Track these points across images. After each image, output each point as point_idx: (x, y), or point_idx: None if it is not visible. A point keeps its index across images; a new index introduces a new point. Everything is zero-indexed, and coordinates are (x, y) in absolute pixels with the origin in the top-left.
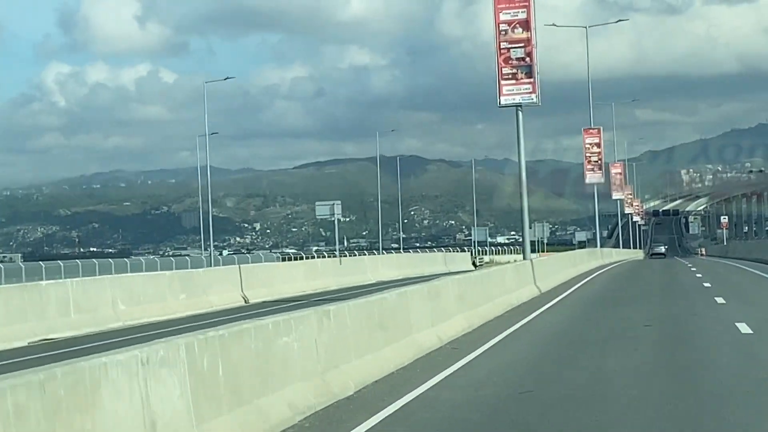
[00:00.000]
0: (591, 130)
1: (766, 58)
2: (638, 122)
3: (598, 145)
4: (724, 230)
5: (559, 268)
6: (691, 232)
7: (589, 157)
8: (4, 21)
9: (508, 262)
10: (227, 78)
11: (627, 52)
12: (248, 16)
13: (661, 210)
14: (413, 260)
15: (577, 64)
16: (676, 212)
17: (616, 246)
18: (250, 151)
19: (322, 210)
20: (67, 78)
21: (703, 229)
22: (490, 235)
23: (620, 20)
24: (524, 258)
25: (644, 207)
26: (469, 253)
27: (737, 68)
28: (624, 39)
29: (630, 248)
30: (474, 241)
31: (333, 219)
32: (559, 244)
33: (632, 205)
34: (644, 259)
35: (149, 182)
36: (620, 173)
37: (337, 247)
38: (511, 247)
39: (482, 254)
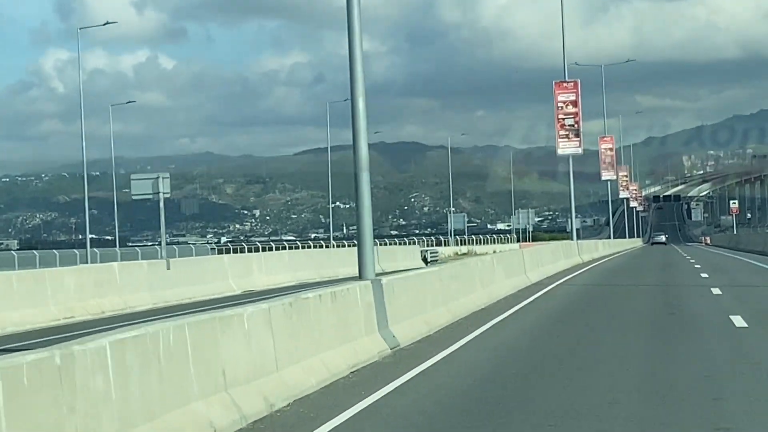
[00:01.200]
0: (565, 84)
1: (767, 43)
2: (638, 108)
3: (575, 104)
4: (733, 216)
5: (502, 274)
6: (693, 218)
7: (562, 120)
8: (1, 8)
9: (494, 252)
10: (107, 23)
11: (627, 38)
12: (246, 1)
13: (661, 196)
14: (329, 258)
15: (577, 49)
16: (677, 198)
17: (615, 234)
18: (250, 137)
19: (140, 186)
20: (65, 64)
21: (706, 215)
22: (490, 222)
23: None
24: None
25: (644, 193)
26: (437, 244)
27: (738, 54)
28: (624, 25)
29: (627, 237)
30: (450, 230)
31: (158, 199)
32: (559, 231)
33: (628, 189)
34: (640, 252)
35: (148, 168)
36: (611, 149)
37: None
38: (508, 236)
39: (462, 244)
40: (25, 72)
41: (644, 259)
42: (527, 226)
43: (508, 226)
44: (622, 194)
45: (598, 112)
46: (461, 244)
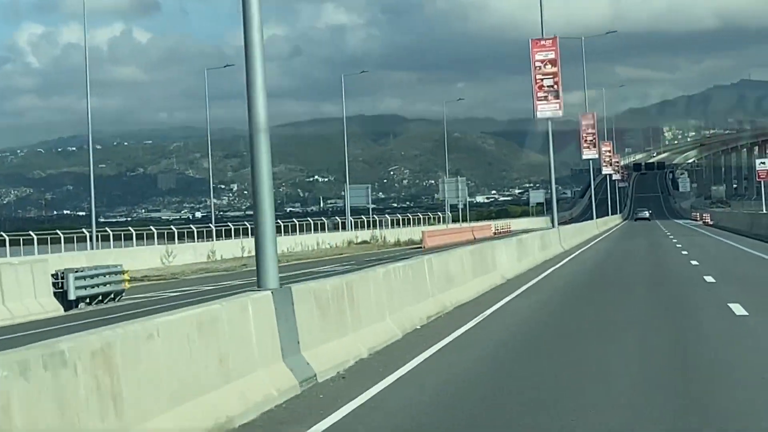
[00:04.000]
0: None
1: (746, 13)
2: (619, 79)
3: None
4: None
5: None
6: (681, 189)
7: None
8: None
9: (408, 242)
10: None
11: (606, 9)
12: None
13: (644, 163)
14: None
15: (552, 21)
16: (661, 166)
17: (588, 210)
18: (228, 111)
19: None
20: (39, 39)
21: (695, 185)
22: (469, 194)
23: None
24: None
25: (623, 162)
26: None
27: (717, 24)
28: None
29: (606, 215)
30: (347, 208)
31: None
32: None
33: (611, 164)
34: (619, 234)
35: (125, 144)
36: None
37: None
38: (440, 214)
39: (365, 227)
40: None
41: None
42: (459, 203)
43: (488, 198)
44: (605, 170)
45: (577, 84)
46: (363, 227)
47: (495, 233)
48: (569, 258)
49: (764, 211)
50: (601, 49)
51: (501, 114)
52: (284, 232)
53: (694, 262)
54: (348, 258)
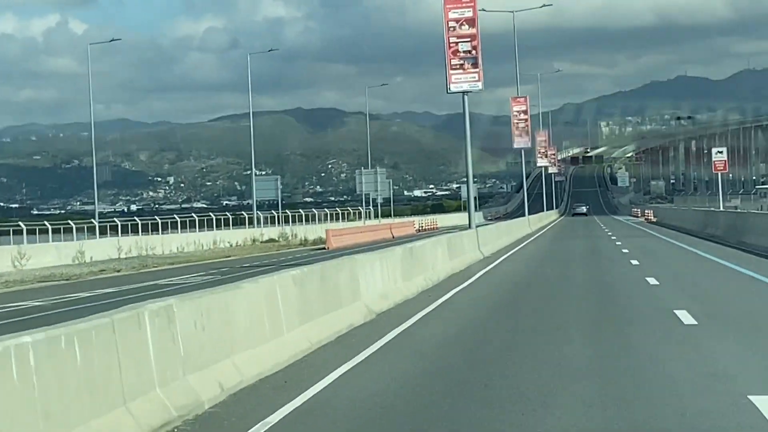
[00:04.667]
0: (518, 99)
1: (682, 10)
2: (557, 75)
3: (525, 112)
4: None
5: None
6: (620, 184)
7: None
8: None
9: (316, 241)
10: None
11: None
12: None
13: (581, 156)
14: None
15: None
16: (599, 159)
17: (529, 204)
18: (166, 104)
19: None
20: None
21: (634, 180)
22: (407, 189)
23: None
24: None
25: (561, 156)
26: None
27: (654, 20)
28: None
29: (541, 210)
30: (254, 204)
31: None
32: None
33: (547, 156)
34: (554, 234)
35: (61, 135)
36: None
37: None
38: (360, 209)
39: (275, 223)
40: None
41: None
42: (376, 197)
43: (426, 192)
44: (540, 162)
45: (512, 78)
46: (274, 224)
47: (418, 230)
48: (485, 270)
49: (721, 209)
50: (537, 44)
51: (440, 108)
52: (180, 228)
53: (651, 281)
54: (231, 262)
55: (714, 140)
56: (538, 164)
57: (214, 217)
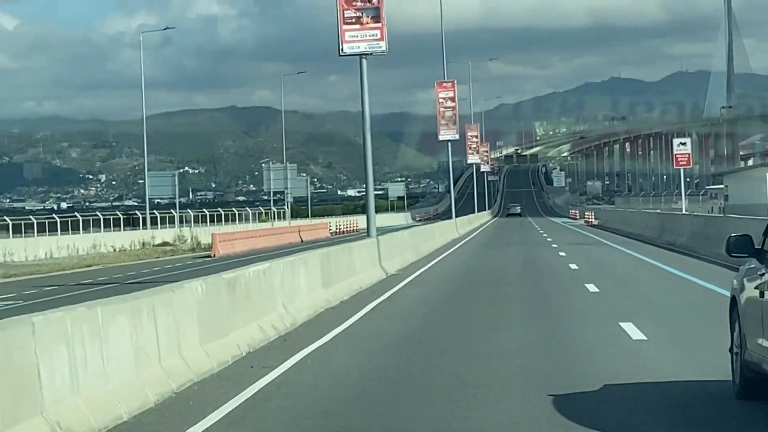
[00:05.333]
0: (445, 84)
1: (615, 12)
2: (490, 75)
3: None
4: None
5: None
6: (555, 184)
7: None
8: None
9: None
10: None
11: (477, 4)
12: None
13: (515, 155)
14: None
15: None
16: (534, 159)
17: (456, 204)
18: (98, 101)
19: None
20: None
21: (570, 180)
22: (340, 188)
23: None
24: None
25: (494, 154)
26: None
27: (588, 22)
28: None
29: (472, 212)
30: (146, 203)
31: None
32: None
33: (479, 152)
34: (484, 239)
35: None
36: (476, 136)
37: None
38: (275, 209)
39: (168, 223)
40: None
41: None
42: (287, 194)
43: (359, 192)
44: (471, 158)
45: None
46: (174, 224)
47: (334, 233)
48: (378, 302)
49: (684, 211)
50: (472, 44)
51: (374, 107)
52: (61, 229)
53: (630, 329)
54: (84, 275)
55: (649, 141)
56: (469, 161)
57: (102, 217)
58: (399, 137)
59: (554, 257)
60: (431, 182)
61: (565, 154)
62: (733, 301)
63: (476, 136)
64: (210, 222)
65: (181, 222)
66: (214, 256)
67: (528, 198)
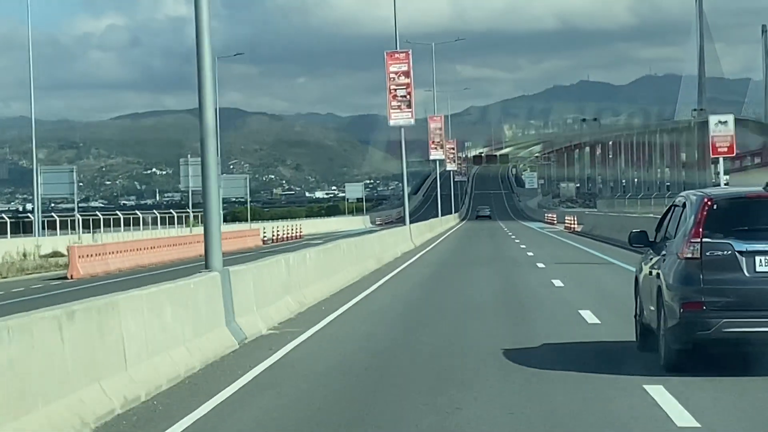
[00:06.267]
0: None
1: (583, 15)
2: (460, 78)
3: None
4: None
5: None
6: (527, 186)
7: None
8: None
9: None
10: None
11: (445, 8)
12: None
13: (484, 156)
14: None
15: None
16: (505, 158)
17: (422, 206)
18: (65, 102)
19: None
20: None
21: (542, 182)
22: (308, 190)
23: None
24: None
25: (463, 154)
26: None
27: (556, 25)
28: None
29: (435, 215)
30: (36, 205)
31: None
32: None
33: (442, 146)
34: (446, 256)
35: None
36: (440, 128)
37: None
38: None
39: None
40: None
41: None
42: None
43: (327, 194)
44: (434, 154)
45: (421, 82)
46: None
47: (266, 242)
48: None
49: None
50: (440, 47)
51: (343, 110)
52: None
53: None
54: None
55: (619, 144)
56: (432, 157)
57: None
58: (367, 140)
59: (547, 290)
60: (399, 184)
61: (537, 155)
62: (636, 280)
63: (440, 129)
64: (122, 226)
65: (86, 227)
66: (71, 277)
67: (498, 200)
